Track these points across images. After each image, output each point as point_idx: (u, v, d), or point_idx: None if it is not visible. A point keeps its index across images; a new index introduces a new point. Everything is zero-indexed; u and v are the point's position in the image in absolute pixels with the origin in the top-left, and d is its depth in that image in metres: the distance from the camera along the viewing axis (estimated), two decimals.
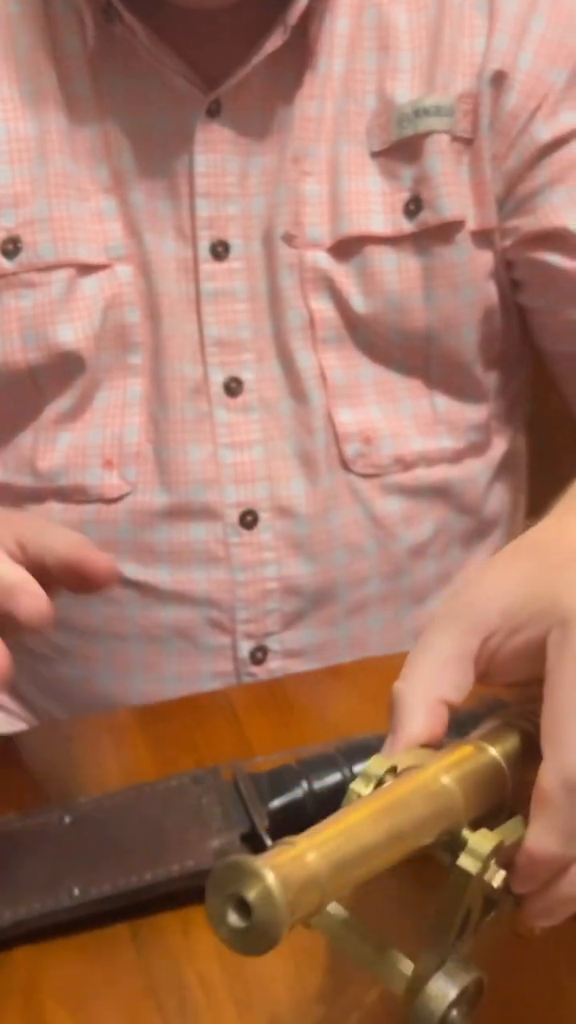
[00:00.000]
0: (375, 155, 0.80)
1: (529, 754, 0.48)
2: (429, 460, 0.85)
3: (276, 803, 0.63)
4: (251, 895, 0.36)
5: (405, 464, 0.84)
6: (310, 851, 0.38)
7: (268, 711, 0.76)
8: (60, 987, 0.56)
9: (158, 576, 0.83)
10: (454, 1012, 0.44)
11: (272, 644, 0.84)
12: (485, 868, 0.44)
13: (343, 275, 0.81)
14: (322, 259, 0.80)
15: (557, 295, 0.84)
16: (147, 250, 0.80)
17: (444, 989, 0.43)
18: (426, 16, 0.79)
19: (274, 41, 0.76)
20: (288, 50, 0.77)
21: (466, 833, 0.44)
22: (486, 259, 0.83)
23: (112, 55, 0.78)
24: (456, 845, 0.44)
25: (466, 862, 0.44)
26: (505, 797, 0.48)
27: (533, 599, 0.49)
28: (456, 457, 0.86)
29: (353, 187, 0.80)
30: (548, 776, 0.45)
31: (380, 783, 0.45)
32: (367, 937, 0.46)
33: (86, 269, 0.80)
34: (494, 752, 0.48)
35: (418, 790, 0.44)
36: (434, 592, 0.88)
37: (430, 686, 0.49)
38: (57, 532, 0.63)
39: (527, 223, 0.82)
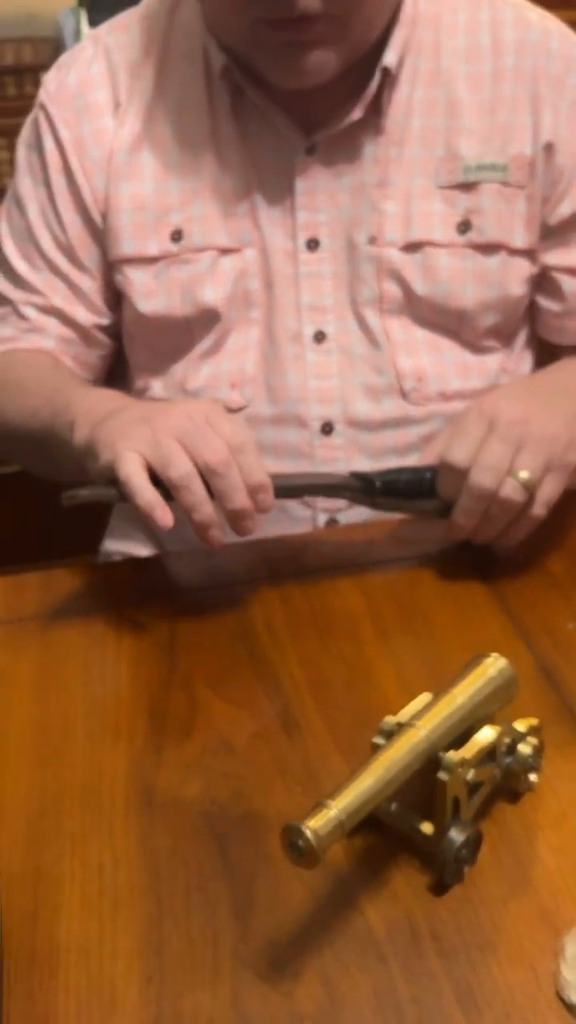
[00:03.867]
0: (440, 188, 1.10)
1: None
2: (463, 396, 1.16)
3: (379, 480, 1.01)
4: (300, 842, 0.62)
5: (446, 397, 1.16)
6: (333, 808, 0.63)
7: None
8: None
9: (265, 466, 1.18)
10: (464, 851, 0.70)
11: (340, 517, 1.15)
12: (459, 773, 0.70)
13: (409, 268, 1.11)
14: (395, 255, 1.11)
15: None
16: (266, 241, 1.12)
17: (454, 838, 0.70)
18: (481, 97, 1.09)
19: (354, 114, 1.07)
20: (370, 112, 1.08)
21: (441, 754, 0.73)
22: (522, 269, 1.14)
23: (243, 110, 1.10)
24: (438, 762, 0.73)
25: (442, 775, 0.72)
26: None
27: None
28: (482, 394, 1.18)
29: (421, 208, 1.11)
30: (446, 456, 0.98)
31: (391, 734, 0.71)
32: (403, 813, 0.73)
33: (225, 252, 1.12)
34: (462, 699, 0.74)
35: (403, 745, 0.70)
36: None
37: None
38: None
39: (570, 257, 1.15)
